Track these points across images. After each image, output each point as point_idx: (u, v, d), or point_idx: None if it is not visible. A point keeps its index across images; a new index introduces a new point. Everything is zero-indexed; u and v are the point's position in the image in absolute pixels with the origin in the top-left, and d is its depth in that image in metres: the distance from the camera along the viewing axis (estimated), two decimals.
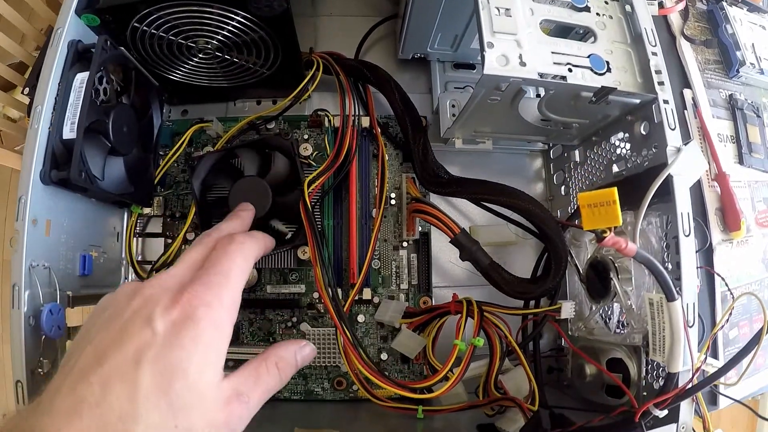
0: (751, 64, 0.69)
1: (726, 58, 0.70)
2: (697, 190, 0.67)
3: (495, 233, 0.63)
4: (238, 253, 0.38)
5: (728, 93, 0.69)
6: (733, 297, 0.61)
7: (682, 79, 0.69)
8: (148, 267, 0.58)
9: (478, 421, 0.53)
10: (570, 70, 0.45)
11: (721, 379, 0.49)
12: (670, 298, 0.41)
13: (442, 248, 0.64)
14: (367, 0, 0.70)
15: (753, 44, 0.70)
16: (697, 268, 0.63)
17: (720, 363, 0.50)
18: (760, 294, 0.65)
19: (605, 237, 0.38)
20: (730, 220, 0.65)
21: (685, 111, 0.67)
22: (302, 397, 0.59)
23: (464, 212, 0.65)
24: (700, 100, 0.67)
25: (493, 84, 0.45)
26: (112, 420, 0.29)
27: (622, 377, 0.50)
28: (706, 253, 0.66)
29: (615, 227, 0.38)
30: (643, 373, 0.49)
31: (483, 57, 0.43)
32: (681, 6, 0.69)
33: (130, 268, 0.57)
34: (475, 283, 0.62)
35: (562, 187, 0.64)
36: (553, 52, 0.45)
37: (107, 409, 0.29)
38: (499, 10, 0.45)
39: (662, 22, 0.71)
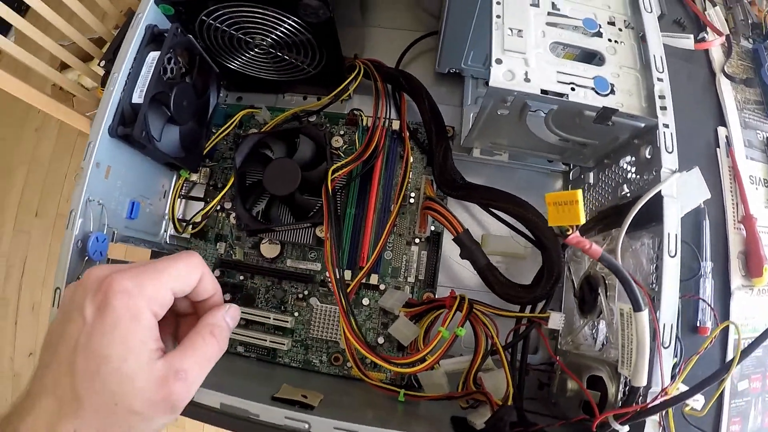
0: None
1: (767, 99, 0.69)
2: (721, 230, 0.66)
3: (504, 244, 0.66)
4: (183, 260, 0.38)
5: (766, 135, 0.68)
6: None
7: (718, 117, 0.69)
8: (188, 227, 0.66)
9: (453, 413, 0.56)
10: (573, 89, 0.48)
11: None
12: (636, 308, 0.43)
13: (453, 250, 0.67)
14: (415, 15, 0.76)
15: None
16: (711, 309, 0.63)
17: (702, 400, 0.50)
18: None
19: (569, 235, 0.41)
20: (753, 265, 0.64)
21: (717, 149, 0.67)
22: (300, 366, 0.64)
23: (479, 220, 0.68)
24: (734, 139, 0.67)
25: (498, 96, 0.49)
26: (66, 403, 0.33)
27: (600, 395, 0.51)
28: (724, 297, 0.65)
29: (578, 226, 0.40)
30: (620, 395, 0.50)
31: (489, 71, 0.47)
32: (720, 41, 0.70)
33: (170, 223, 0.66)
34: (479, 288, 0.64)
35: None
36: (558, 72, 0.49)
37: (60, 394, 0.33)
38: (512, 31, 0.50)
39: (703, 58, 0.72)
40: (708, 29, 0.75)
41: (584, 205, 0.63)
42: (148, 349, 0.35)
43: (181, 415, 0.49)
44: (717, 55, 0.74)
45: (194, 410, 0.46)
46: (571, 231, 0.41)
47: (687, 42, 0.70)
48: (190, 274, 0.39)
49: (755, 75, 0.73)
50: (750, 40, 0.77)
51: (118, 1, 1.04)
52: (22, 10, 0.88)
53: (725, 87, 0.71)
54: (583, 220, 0.39)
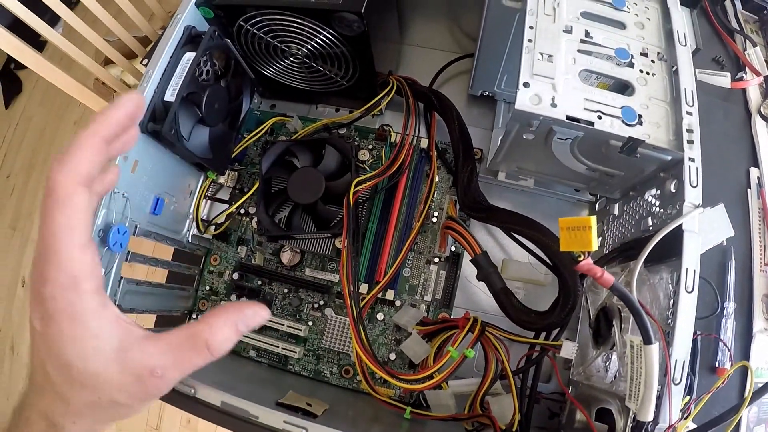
0: None
1: None
2: (747, 271, 0.65)
3: (524, 270, 0.66)
4: (52, 205, 0.32)
5: None
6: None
7: (751, 157, 0.68)
8: (211, 227, 0.68)
9: None
10: (599, 117, 0.48)
11: None
12: (646, 341, 0.42)
13: (472, 272, 0.66)
14: (453, 37, 0.76)
15: None
16: (728, 348, 0.61)
17: None
18: None
19: (580, 261, 0.40)
20: None
21: (748, 189, 0.66)
22: (310, 375, 0.64)
23: (501, 245, 0.68)
24: (766, 180, 0.65)
25: (524, 120, 0.49)
26: (57, 404, 0.34)
27: (608, 429, 0.50)
28: (745, 339, 0.63)
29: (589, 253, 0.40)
30: (628, 430, 0.49)
31: (516, 94, 0.48)
32: (758, 81, 0.69)
33: (194, 222, 0.67)
34: (495, 313, 0.64)
35: (599, 239, 0.65)
36: (586, 99, 0.49)
37: (49, 400, 0.34)
38: (542, 56, 0.50)
39: (740, 97, 0.71)
40: (747, 69, 0.74)
41: (606, 236, 0.64)
42: (108, 341, 0.33)
43: (185, 411, 0.50)
44: (754, 95, 0.73)
45: (194, 405, 0.47)
46: (582, 257, 0.41)
47: (724, 80, 0.69)
48: (81, 195, 0.32)
49: None
50: None
51: (166, 3, 1.07)
52: (72, 3, 0.92)
53: (760, 128, 0.70)
54: (595, 247, 0.39)
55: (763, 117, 0.70)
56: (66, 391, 0.34)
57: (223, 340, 0.35)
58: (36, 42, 0.97)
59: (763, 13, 0.79)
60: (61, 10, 0.84)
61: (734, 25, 0.79)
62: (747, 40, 0.77)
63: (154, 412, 1.59)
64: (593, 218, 0.39)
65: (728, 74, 0.67)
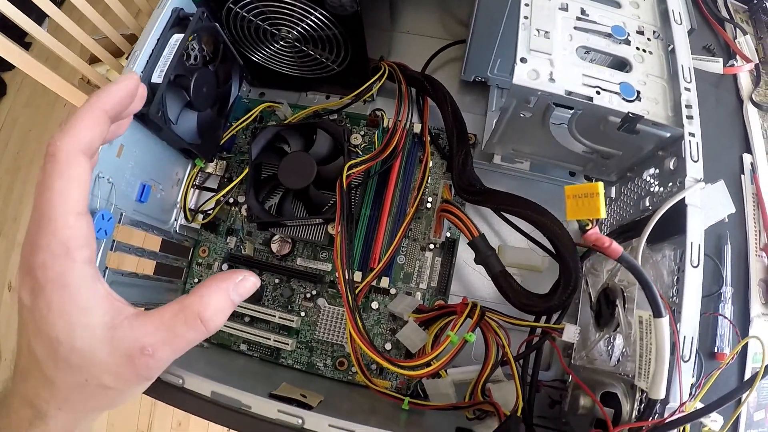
0: None
1: None
2: (743, 256, 0.65)
3: (522, 255, 0.64)
4: (52, 170, 0.33)
5: None
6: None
7: (744, 143, 0.68)
8: (199, 216, 0.66)
9: (458, 424, 0.54)
10: (598, 93, 0.47)
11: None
12: (656, 314, 0.40)
13: (468, 258, 0.65)
14: (445, 23, 0.76)
15: None
16: (731, 327, 0.61)
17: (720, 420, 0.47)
18: None
19: (588, 230, 0.39)
20: None
21: (742, 175, 0.65)
22: (304, 368, 0.62)
23: (497, 231, 0.67)
24: (759, 166, 0.66)
25: (522, 95, 0.48)
26: (41, 387, 0.33)
27: (614, 413, 0.49)
28: (743, 324, 0.63)
29: (597, 220, 0.39)
30: (635, 413, 0.48)
31: (513, 68, 0.47)
32: (749, 67, 0.69)
33: (181, 212, 0.65)
34: (493, 299, 0.63)
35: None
36: (584, 75, 0.48)
37: (34, 382, 0.33)
38: (539, 32, 0.49)
39: (731, 84, 0.71)
40: (737, 57, 0.75)
41: (605, 218, 0.63)
42: (97, 316, 0.32)
43: (170, 405, 0.47)
44: (745, 82, 0.73)
45: (181, 397, 0.45)
46: (590, 225, 0.39)
47: (716, 66, 0.69)
48: (81, 165, 0.33)
49: None
50: None
51: (155, 0, 1.06)
52: (59, 1, 0.90)
53: (752, 114, 0.70)
54: (603, 214, 0.38)
55: (754, 104, 0.71)
56: (51, 371, 0.32)
57: (215, 311, 0.34)
58: (22, 41, 0.95)
59: (753, 2, 0.80)
60: (48, 7, 0.83)
61: (724, 14, 0.79)
62: (737, 29, 0.77)
63: (144, 413, 1.55)
64: (600, 184, 0.38)
65: (720, 60, 0.67)
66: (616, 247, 0.40)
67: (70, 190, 0.32)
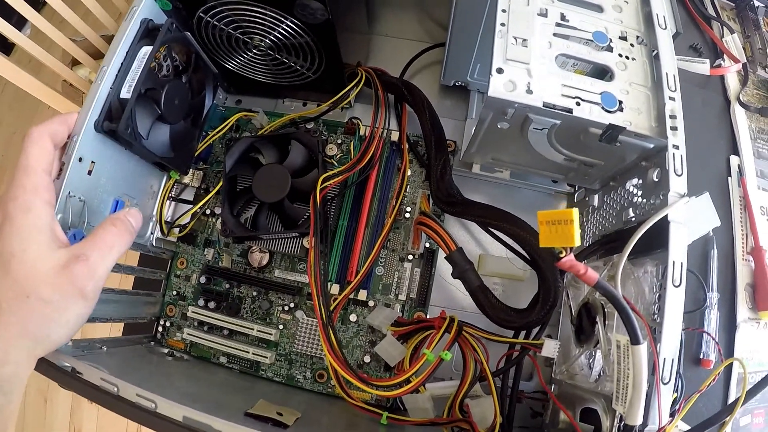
0: None
1: None
2: (729, 260, 0.64)
3: (502, 265, 0.63)
4: (28, 142, 0.43)
5: None
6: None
7: (731, 145, 0.67)
8: (175, 229, 0.65)
9: None
10: (578, 104, 0.46)
11: None
12: (634, 341, 0.39)
13: (448, 269, 0.64)
14: (424, 26, 0.74)
15: None
16: (715, 342, 0.60)
17: None
18: None
19: (562, 257, 0.38)
20: (761, 298, 0.61)
21: (729, 177, 0.64)
22: (283, 380, 0.61)
23: (478, 240, 0.66)
24: (747, 169, 0.64)
25: (498, 108, 0.46)
26: None
27: (593, 430, 0.48)
28: (729, 329, 0.62)
29: (571, 248, 0.38)
30: (615, 431, 0.47)
31: (489, 80, 0.45)
32: (736, 68, 0.68)
33: (158, 225, 0.63)
34: (473, 311, 0.61)
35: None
36: (563, 85, 0.46)
37: None
38: (516, 40, 0.48)
39: (719, 85, 0.69)
40: (725, 56, 0.73)
41: (587, 228, 0.62)
42: (47, 237, 0.40)
43: (146, 426, 0.46)
44: (733, 82, 0.72)
45: (155, 421, 0.44)
46: (564, 254, 0.38)
47: (702, 67, 0.67)
48: (42, 144, 0.43)
49: None
50: (767, 70, 0.74)
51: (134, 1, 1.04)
52: (39, 4, 0.88)
53: (740, 115, 0.68)
54: (577, 243, 0.36)
55: (742, 104, 0.69)
56: (1, 288, 0.38)
57: (121, 217, 0.45)
58: (2, 46, 0.93)
59: (740, 0, 0.78)
60: (28, 12, 0.81)
61: (711, 12, 0.77)
62: (724, 27, 0.76)
63: None
64: (575, 211, 0.36)
65: (707, 61, 0.65)
66: (592, 274, 0.38)
67: (41, 155, 0.43)
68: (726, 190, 0.65)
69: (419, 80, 0.68)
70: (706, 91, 0.71)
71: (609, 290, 0.39)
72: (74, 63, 1.06)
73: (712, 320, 0.61)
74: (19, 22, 0.82)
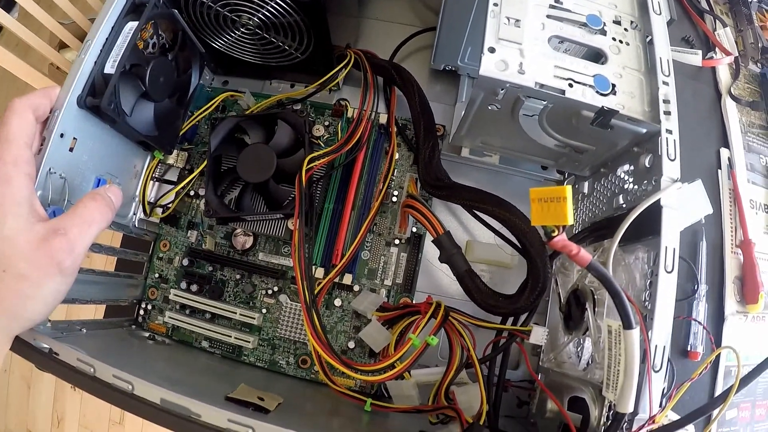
0: None
1: None
2: (718, 253, 0.63)
3: (490, 251, 0.63)
4: (10, 114, 0.42)
5: None
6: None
7: (722, 138, 0.66)
8: (158, 210, 0.64)
9: (422, 428, 0.52)
10: (570, 86, 0.45)
11: None
12: (626, 325, 0.38)
13: (435, 254, 0.63)
14: (415, 10, 0.73)
15: None
16: (704, 330, 0.60)
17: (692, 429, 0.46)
18: None
19: (554, 236, 0.37)
20: (749, 291, 0.60)
21: (719, 170, 0.64)
22: (266, 366, 0.60)
23: (465, 226, 0.65)
24: (736, 161, 0.64)
25: (489, 87, 0.45)
26: None
27: (582, 419, 0.47)
28: (717, 321, 0.62)
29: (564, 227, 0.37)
30: (603, 420, 0.46)
31: (481, 59, 0.44)
32: (728, 60, 0.67)
33: (140, 206, 0.62)
34: (460, 297, 0.60)
35: None
36: (556, 66, 0.45)
37: None
38: (509, 20, 0.47)
39: (710, 77, 0.69)
40: (717, 49, 0.73)
41: (576, 216, 0.61)
42: (25, 210, 0.39)
43: (122, 408, 0.45)
44: (724, 75, 0.71)
45: (131, 403, 0.43)
46: (556, 232, 0.37)
47: (695, 58, 0.67)
48: (23, 116, 0.43)
49: (761, 99, 0.70)
50: (759, 64, 0.74)
51: None
52: None
53: (731, 108, 0.68)
54: (571, 221, 0.35)
55: (733, 97, 0.69)
56: None
57: (101, 192, 0.45)
58: None
59: None
60: None
61: (704, 5, 0.77)
62: (717, 21, 0.75)
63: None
64: (569, 188, 0.35)
65: (699, 52, 0.65)
66: (585, 255, 0.37)
67: (22, 127, 0.42)
68: (716, 182, 0.65)
69: (409, 64, 0.67)
70: (697, 82, 0.71)
71: (601, 272, 0.38)
72: (61, 46, 1.04)
73: (701, 312, 0.61)
74: (7, 4, 0.81)
